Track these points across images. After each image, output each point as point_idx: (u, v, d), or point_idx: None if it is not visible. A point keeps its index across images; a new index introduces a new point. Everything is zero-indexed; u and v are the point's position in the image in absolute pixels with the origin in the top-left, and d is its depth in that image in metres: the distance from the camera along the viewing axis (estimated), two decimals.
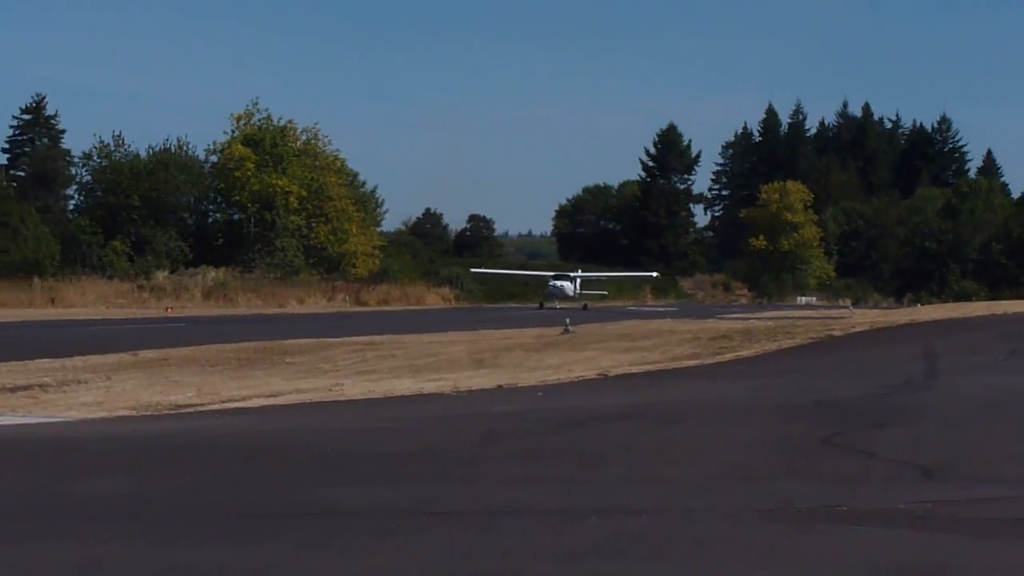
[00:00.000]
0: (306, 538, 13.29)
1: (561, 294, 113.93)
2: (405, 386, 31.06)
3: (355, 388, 30.77)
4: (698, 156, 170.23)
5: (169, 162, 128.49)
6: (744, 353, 43.14)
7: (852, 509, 14.72)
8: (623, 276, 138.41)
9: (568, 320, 60.98)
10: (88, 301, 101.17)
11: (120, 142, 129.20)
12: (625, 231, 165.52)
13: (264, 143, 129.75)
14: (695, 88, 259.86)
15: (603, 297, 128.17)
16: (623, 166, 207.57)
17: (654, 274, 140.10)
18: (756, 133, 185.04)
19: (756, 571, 11.59)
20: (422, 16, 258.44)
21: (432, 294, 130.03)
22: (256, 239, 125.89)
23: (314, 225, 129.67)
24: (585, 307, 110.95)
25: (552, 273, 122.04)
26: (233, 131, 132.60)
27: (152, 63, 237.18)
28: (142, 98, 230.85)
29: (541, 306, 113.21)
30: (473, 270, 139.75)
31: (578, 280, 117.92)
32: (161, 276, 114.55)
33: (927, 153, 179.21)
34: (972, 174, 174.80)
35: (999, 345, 46.52)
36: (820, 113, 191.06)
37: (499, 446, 20.90)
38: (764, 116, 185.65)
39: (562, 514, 14.56)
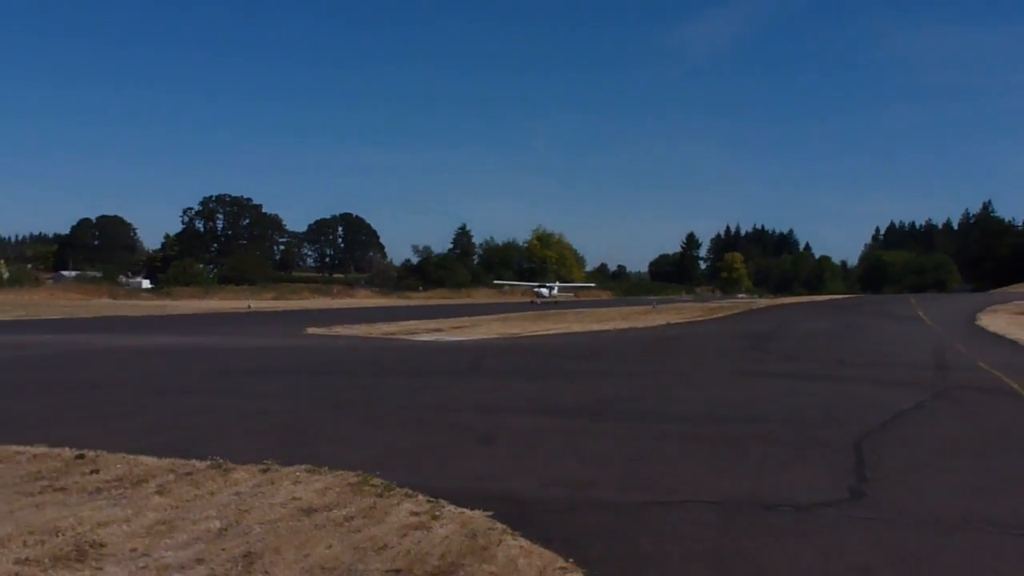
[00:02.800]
0: (560, 380, 13.27)
1: (542, 295, 73.52)
2: (595, 327, 30.80)
3: (575, 327, 30.64)
4: (700, 244, 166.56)
5: (510, 247, 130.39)
6: (720, 315, 41.50)
7: (762, 372, 14.31)
8: (578, 286, 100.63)
9: (654, 301, 59.40)
10: (481, 297, 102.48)
11: (519, 242, 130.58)
12: (675, 271, 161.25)
13: (543, 239, 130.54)
14: (702, 218, 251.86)
15: (569, 296, 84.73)
16: (674, 243, 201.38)
17: (592, 284, 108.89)
18: (722, 235, 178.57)
19: (730, 392, 11.29)
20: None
21: (605, 293, 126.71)
22: (539, 275, 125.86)
23: (561, 269, 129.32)
24: (556, 302, 70.69)
25: (536, 283, 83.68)
26: (533, 235, 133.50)
27: (501, 208, 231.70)
28: (491, 222, 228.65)
29: (532, 302, 69.36)
30: (496, 281, 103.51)
31: (555, 288, 78.65)
32: (506, 288, 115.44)
33: (785, 244, 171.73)
34: (802, 249, 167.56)
35: (814, 312, 44.60)
36: (747, 228, 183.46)
37: (631, 348, 20.62)
38: (726, 228, 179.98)
39: (653, 374, 14.33)
